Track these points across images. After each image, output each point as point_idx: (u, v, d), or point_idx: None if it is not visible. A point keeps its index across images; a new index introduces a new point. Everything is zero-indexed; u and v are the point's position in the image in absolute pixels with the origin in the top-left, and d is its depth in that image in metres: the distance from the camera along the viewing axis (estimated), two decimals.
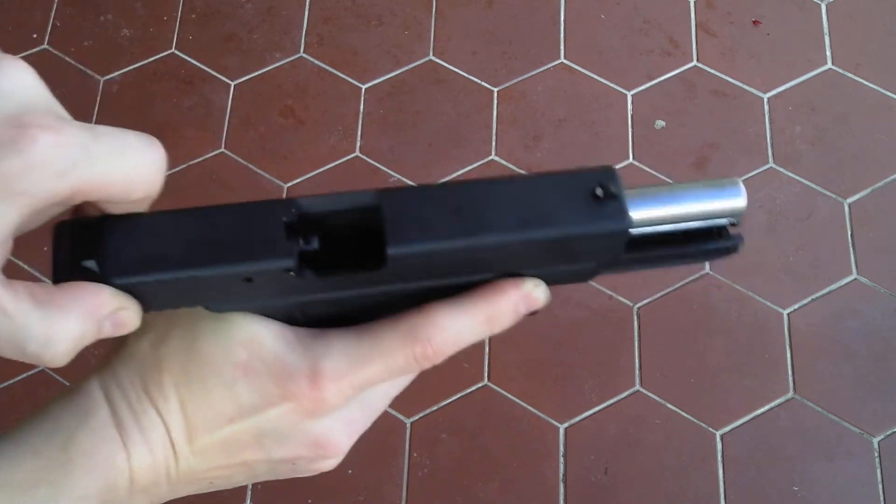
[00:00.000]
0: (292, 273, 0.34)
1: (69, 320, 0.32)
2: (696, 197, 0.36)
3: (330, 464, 0.39)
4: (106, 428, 0.35)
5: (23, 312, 0.31)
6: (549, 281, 0.38)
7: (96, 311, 0.32)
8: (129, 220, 0.33)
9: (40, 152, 0.29)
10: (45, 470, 0.34)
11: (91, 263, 0.32)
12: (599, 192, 0.34)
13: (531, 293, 0.37)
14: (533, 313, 0.38)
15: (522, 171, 1.57)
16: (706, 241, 0.38)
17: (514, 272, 0.37)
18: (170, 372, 0.36)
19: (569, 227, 0.34)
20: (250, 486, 1.36)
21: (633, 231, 0.36)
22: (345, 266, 0.35)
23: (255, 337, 0.36)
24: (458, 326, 0.36)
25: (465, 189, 0.35)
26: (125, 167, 0.31)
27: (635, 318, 1.47)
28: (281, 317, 0.37)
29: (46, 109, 0.31)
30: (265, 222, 0.33)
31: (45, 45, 1.70)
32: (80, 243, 0.33)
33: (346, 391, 0.36)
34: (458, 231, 0.34)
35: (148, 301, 0.34)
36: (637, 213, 0.35)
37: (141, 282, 0.33)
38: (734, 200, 0.37)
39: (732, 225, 0.38)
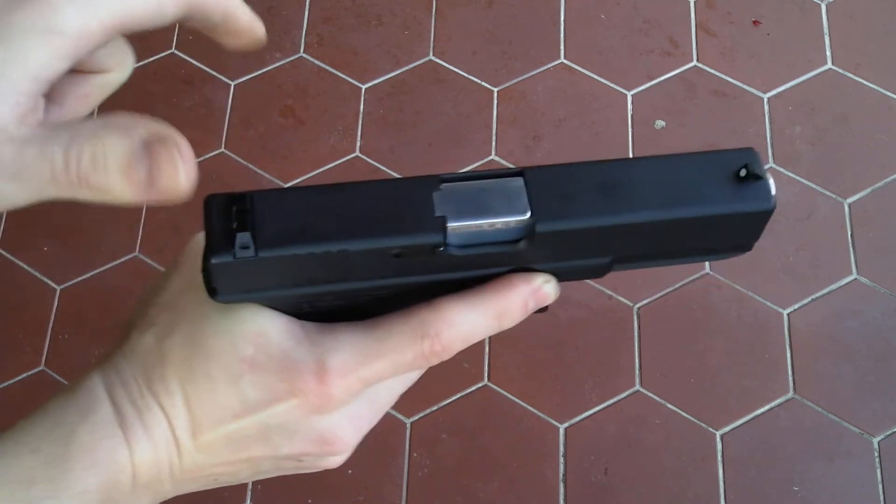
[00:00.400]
0: (441, 249, 0.33)
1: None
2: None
3: (336, 460, 0.38)
4: (108, 424, 0.34)
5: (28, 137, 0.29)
6: (561, 276, 0.38)
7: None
8: (277, 194, 0.33)
9: None
10: (46, 466, 0.33)
11: (245, 236, 0.32)
12: (743, 172, 0.34)
13: (541, 288, 0.37)
14: (542, 309, 0.38)
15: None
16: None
17: (562, 261, 0.37)
18: (174, 367, 0.35)
19: (717, 205, 0.34)
20: (250, 487, 1.36)
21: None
22: (489, 242, 0.34)
23: (262, 331, 0.35)
24: (467, 322, 0.36)
25: (609, 167, 0.34)
26: None
27: (635, 318, 1.47)
28: (288, 309, 0.36)
29: None
30: (415, 198, 0.33)
31: None
32: (232, 216, 0.33)
33: (354, 387, 0.35)
34: (605, 207, 0.34)
35: (295, 277, 0.34)
36: None
37: (293, 254, 0.33)
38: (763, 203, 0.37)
39: None
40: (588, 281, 1.48)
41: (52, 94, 0.33)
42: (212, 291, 0.34)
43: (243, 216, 0.33)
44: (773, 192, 0.34)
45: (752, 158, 0.35)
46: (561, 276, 0.37)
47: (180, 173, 0.30)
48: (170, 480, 0.36)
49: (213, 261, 0.32)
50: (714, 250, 0.37)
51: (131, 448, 0.34)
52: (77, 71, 0.33)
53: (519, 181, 0.34)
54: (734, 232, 0.36)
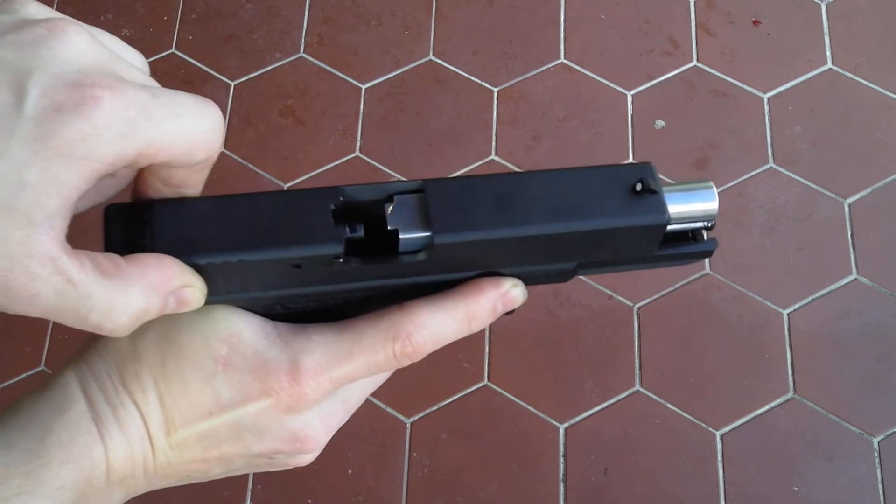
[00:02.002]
0: (340, 260, 0.34)
1: (134, 293, 0.32)
2: (672, 200, 0.37)
3: (307, 458, 0.39)
4: (82, 420, 0.35)
5: (87, 283, 0.31)
6: (528, 280, 0.39)
7: (163, 286, 0.32)
8: (179, 204, 0.34)
9: (104, 115, 0.29)
10: (20, 462, 0.33)
11: (144, 244, 0.33)
12: (639, 186, 0.35)
13: (510, 292, 0.38)
14: (509, 312, 0.39)
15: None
16: (682, 244, 0.38)
17: (527, 266, 0.38)
18: (148, 365, 0.36)
19: (611, 219, 0.35)
20: (250, 487, 1.36)
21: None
22: (388, 254, 0.35)
23: (236, 331, 0.36)
24: (438, 324, 0.37)
25: (507, 180, 0.35)
26: (186, 127, 0.31)
27: (635, 318, 1.47)
28: (261, 310, 0.37)
29: (106, 71, 0.31)
30: (313, 210, 0.34)
31: None
32: (131, 226, 0.33)
33: (326, 387, 0.36)
34: (502, 220, 0.34)
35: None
36: None
37: (192, 265, 0.33)
38: (707, 204, 0.37)
39: (707, 228, 0.38)
40: (588, 281, 1.48)
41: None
42: None
43: (142, 226, 0.33)
44: (667, 206, 0.35)
45: (648, 172, 0.36)
46: (528, 281, 0.38)
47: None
48: (143, 476, 0.36)
49: None
50: (618, 261, 0.39)
51: (106, 444, 0.35)
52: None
53: (420, 196, 0.35)
54: (630, 244, 0.37)
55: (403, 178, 1.56)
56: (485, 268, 0.37)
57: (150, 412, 0.35)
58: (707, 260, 1.50)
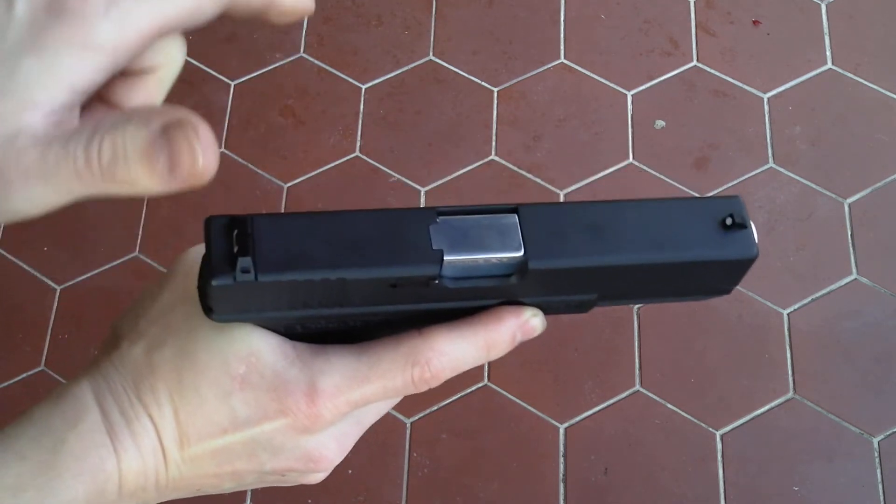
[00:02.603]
0: (436, 281, 0.34)
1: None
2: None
3: (319, 476, 0.39)
4: (97, 432, 0.35)
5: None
6: (548, 310, 0.39)
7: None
8: (279, 219, 0.34)
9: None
10: (33, 474, 0.33)
11: (246, 260, 0.33)
12: (729, 220, 0.36)
13: (529, 321, 0.38)
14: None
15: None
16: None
17: (551, 296, 0.38)
18: (164, 379, 0.35)
19: (702, 251, 0.36)
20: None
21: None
22: (479, 278, 0.35)
23: (254, 350, 0.36)
24: (457, 352, 0.37)
25: (599, 208, 0.36)
26: None
27: (635, 318, 1.47)
28: (280, 330, 0.37)
29: None
30: (412, 229, 0.34)
31: None
32: (233, 239, 0.33)
33: (342, 408, 0.36)
34: (595, 248, 0.35)
35: (291, 301, 0.35)
36: None
37: (291, 280, 0.33)
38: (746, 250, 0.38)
39: None
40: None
41: (108, 99, 0.33)
42: (208, 311, 0.34)
43: (244, 240, 0.33)
44: (756, 240, 0.36)
45: (737, 207, 0.36)
46: (547, 310, 0.39)
47: (198, 157, 0.29)
48: (154, 489, 0.36)
49: (214, 283, 0.33)
50: (695, 292, 0.39)
51: (119, 457, 0.35)
52: (128, 73, 0.33)
53: (513, 217, 0.35)
54: (716, 277, 0.37)
55: (403, 179, 1.56)
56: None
57: (165, 426, 0.35)
58: None
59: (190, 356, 0.35)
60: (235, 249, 0.33)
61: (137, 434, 0.35)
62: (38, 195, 0.29)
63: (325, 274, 0.33)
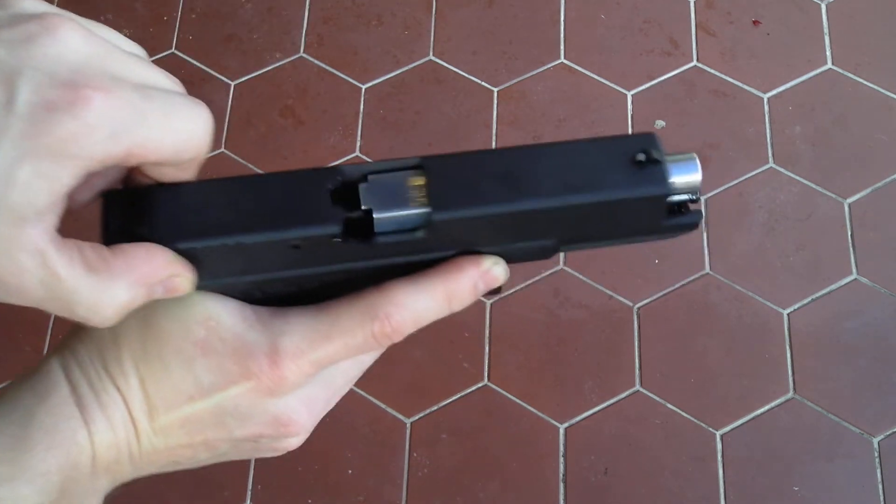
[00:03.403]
0: (338, 240, 0.34)
1: (119, 286, 0.32)
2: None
3: (293, 442, 0.39)
4: (66, 405, 0.35)
5: (74, 277, 0.31)
6: (509, 258, 0.38)
7: (149, 277, 0.33)
8: (178, 189, 0.34)
9: (95, 115, 0.29)
10: (4, 448, 0.33)
11: (142, 230, 0.33)
12: (642, 157, 0.35)
13: (490, 270, 0.37)
14: (495, 291, 0.38)
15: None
16: (668, 216, 0.38)
17: (508, 243, 0.37)
18: (129, 349, 0.36)
19: (612, 191, 0.34)
20: (250, 487, 1.36)
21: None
22: (374, 233, 0.35)
23: (213, 315, 0.36)
24: (417, 304, 0.36)
25: (507, 154, 0.35)
26: (176, 128, 0.32)
27: (635, 318, 1.47)
28: (239, 295, 0.37)
29: (99, 70, 0.31)
30: (311, 190, 0.34)
31: None
32: (130, 211, 0.33)
33: (306, 369, 0.36)
34: (503, 195, 0.34)
35: (195, 269, 0.34)
36: None
37: (190, 248, 0.33)
38: (691, 175, 0.37)
39: (692, 201, 0.38)
40: (588, 281, 1.48)
41: (144, 173, 0.35)
42: None
43: (140, 211, 0.33)
44: (670, 177, 0.35)
45: (652, 143, 0.35)
46: (509, 259, 0.38)
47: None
48: (129, 462, 0.36)
49: None
50: (629, 233, 0.38)
51: (90, 429, 0.35)
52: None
53: (420, 172, 0.35)
54: (637, 216, 0.36)
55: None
56: (468, 246, 0.37)
57: (133, 397, 0.35)
58: (707, 260, 1.50)
59: (152, 325, 0.36)
60: (129, 222, 0.33)
61: (106, 406, 0.35)
62: (29, 302, 0.32)
63: (224, 240, 0.33)
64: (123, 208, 0.34)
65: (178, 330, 0.36)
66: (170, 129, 0.31)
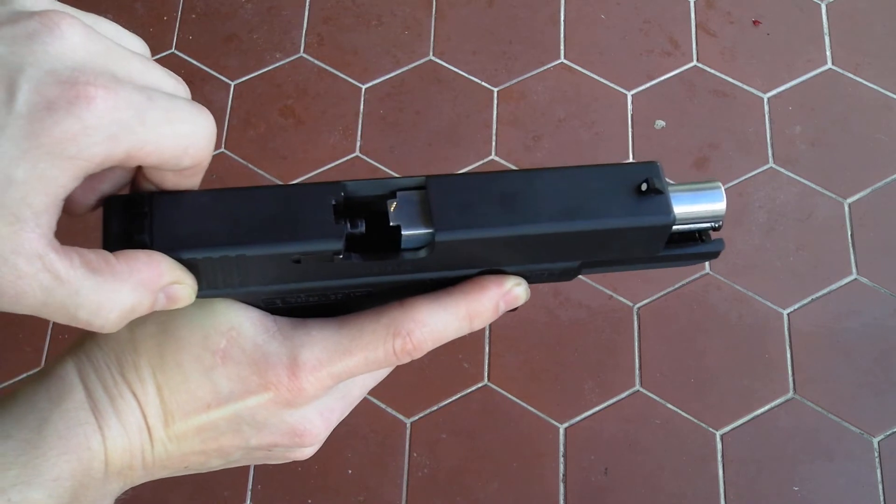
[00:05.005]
0: (340, 256, 0.34)
1: (123, 290, 0.32)
2: (678, 200, 0.36)
3: (306, 452, 0.39)
4: (81, 410, 0.34)
5: (76, 279, 0.31)
6: (531, 279, 0.38)
7: (152, 283, 0.32)
8: (180, 197, 0.34)
9: (95, 115, 0.29)
10: (17, 452, 0.33)
11: (143, 238, 0.33)
12: (644, 186, 0.35)
13: (512, 291, 0.38)
14: (512, 310, 0.38)
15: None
16: (688, 244, 0.38)
17: (530, 264, 0.37)
18: (147, 356, 0.35)
19: (615, 219, 0.35)
20: (250, 487, 1.36)
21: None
22: (389, 251, 0.35)
23: (235, 325, 0.36)
24: (438, 322, 0.36)
25: (511, 177, 0.35)
26: (178, 133, 0.31)
27: (635, 318, 1.47)
28: (261, 305, 0.37)
29: (102, 69, 0.30)
30: (314, 205, 0.34)
31: None
32: (131, 217, 0.33)
33: (325, 381, 0.36)
34: (505, 218, 0.34)
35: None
36: None
37: (190, 258, 0.33)
38: (715, 204, 0.37)
39: (714, 229, 0.38)
40: (588, 281, 1.48)
41: (150, 179, 0.35)
42: None
43: (142, 218, 0.33)
44: (673, 206, 0.35)
45: (654, 172, 0.35)
46: (531, 279, 0.38)
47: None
48: (141, 467, 0.36)
49: None
50: (628, 260, 0.38)
51: (104, 435, 0.35)
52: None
53: (422, 193, 0.35)
54: (637, 244, 0.36)
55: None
56: (488, 265, 0.37)
57: (149, 403, 0.35)
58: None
59: (171, 332, 0.35)
60: (132, 228, 0.33)
61: (122, 412, 0.35)
62: (28, 308, 0.32)
63: (223, 252, 0.33)
64: (125, 214, 0.33)
65: (199, 338, 0.35)
66: (171, 133, 0.31)
